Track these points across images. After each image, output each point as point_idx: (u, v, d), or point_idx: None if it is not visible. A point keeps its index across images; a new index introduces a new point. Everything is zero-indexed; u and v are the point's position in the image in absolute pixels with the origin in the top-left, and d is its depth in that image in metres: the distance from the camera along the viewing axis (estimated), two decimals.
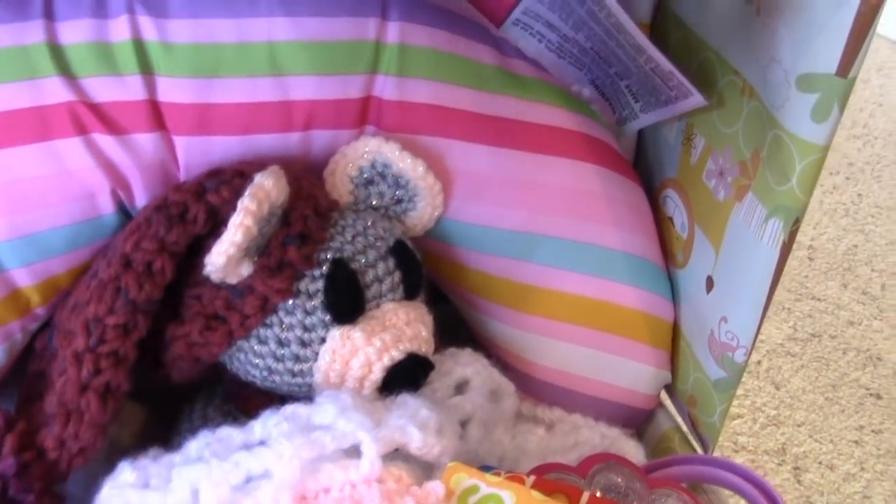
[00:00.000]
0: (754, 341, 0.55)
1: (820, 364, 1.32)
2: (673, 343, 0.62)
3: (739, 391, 1.27)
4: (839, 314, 1.41)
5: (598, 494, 0.49)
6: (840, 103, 0.45)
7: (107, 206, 0.51)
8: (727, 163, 0.54)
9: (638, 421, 0.62)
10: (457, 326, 0.65)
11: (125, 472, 0.48)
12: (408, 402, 0.49)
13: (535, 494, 0.46)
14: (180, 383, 0.59)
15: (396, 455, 0.48)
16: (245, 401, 0.55)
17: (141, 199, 0.52)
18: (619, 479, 0.54)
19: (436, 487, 0.45)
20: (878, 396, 1.29)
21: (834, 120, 0.46)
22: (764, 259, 0.51)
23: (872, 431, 1.24)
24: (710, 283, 0.57)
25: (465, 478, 0.47)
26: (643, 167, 0.64)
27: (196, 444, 0.48)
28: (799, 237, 1.67)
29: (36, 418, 0.49)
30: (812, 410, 1.27)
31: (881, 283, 1.46)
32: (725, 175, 0.54)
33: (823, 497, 1.16)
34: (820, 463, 1.20)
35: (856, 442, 1.23)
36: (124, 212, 0.52)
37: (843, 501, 1.16)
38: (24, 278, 0.51)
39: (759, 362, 1.32)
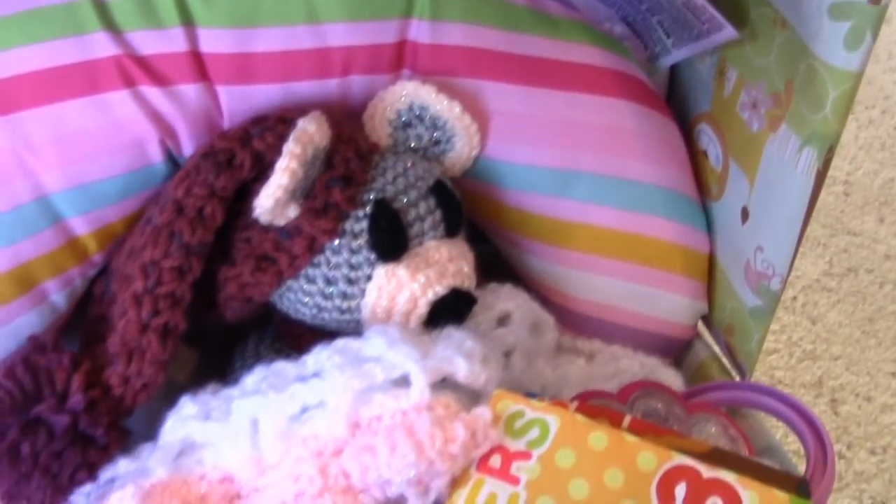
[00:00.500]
0: (790, 270, 0.56)
1: (856, 298, 1.33)
2: (709, 274, 0.63)
3: (776, 326, 1.28)
4: (875, 248, 1.40)
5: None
6: (873, 30, 0.46)
7: (156, 155, 0.53)
8: (760, 94, 0.55)
9: (676, 351, 0.64)
10: (497, 265, 0.66)
11: (187, 406, 0.51)
12: (453, 335, 0.51)
13: (579, 418, 0.48)
14: (232, 326, 0.62)
15: (444, 386, 0.50)
16: (296, 339, 0.57)
17: (188, 147, 0.54)
18: (659, 405, 0.56)
19: (483, 412, 0.47)
20: None
21: (867, 47, 0.46)
22: (798, 188, 0.52)
23: None
24: (745, 214, 0.58)
25: (511, 404, 0.49)
26: (676, 102, 0.65)
27: (252, 379, 0.51)
28: (834, 172, 1.66)
29: (100, 359, 0.51)
30: (848, 344, 1.27)
31: None
32: (759, 107, 0.55)
33: (861, 428, 1.17)
34: (857, 395, 1.21)
35: (893, 374, 1.23)
36: (172, 160, 0.54)
37: (880, 432, 1.17)
38: (80, 227, 0.53)
39: (794, 298, 1.33)
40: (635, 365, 0.59)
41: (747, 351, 0.61)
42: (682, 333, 0.63)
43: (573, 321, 0.62)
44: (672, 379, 0.59)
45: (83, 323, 0.56)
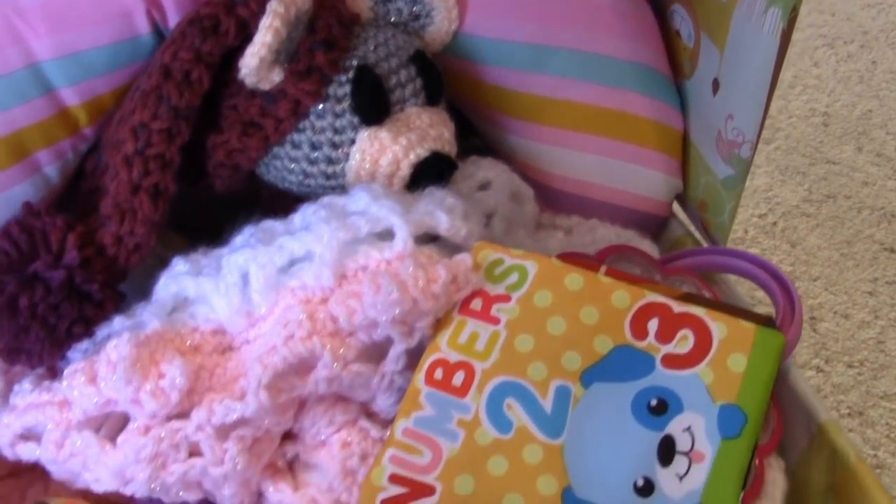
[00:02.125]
0: (759, 136, 0.58)
1: (835, 223, 1.35)
2: (683, 153, 0.65)
3: (756, 250, 1.30)
4: (854, 176, 1.43)
5: None
6: None
7: (143, 27, 0.55)
8: None
9: (652, 228, 0.66)
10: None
11: (179, 265, 0.53)
12: (434, 192, 0.53)
13: (556, 262, 0.50)
14: (222, 217, 0.64)
15: (427, 243, 0.52)
16: (283, 213, 0.59)
17: (173, 20, 0.55)
18: (636, 268, 0.58)
19: (464, 258, 0.50)
20: (892, 250, 1.32)
21: None
22: (765, 49, 0.54)
23: (887, 283, 1.28)
24: (716, 85, 0.60)
25: (491, 252, 0.51)
26: None
27: (242, 237, 0.53)
28: (813, 104, 1.68)
29: (93, 223, 0.53)
30: (827, 266, 1.30)
31: None
32: None
33: (838, 343, 1.20)
34: (835, 313, 1.24)
35: (870, 293, 1.26)
36: (159, 33, 0.56)
37: (857, 346, 1.20)
38: (71, 97, 0.55)
39: (774, 223, 1.35)
40: (612, 234, 0.61)
41: (720, 223, 0.63)
42: (659, 209, 0.65)
43: (552, 198, 0.64)
44: (649, 248, 0.61)
45: (76, 199, 0.58)
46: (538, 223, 0.63)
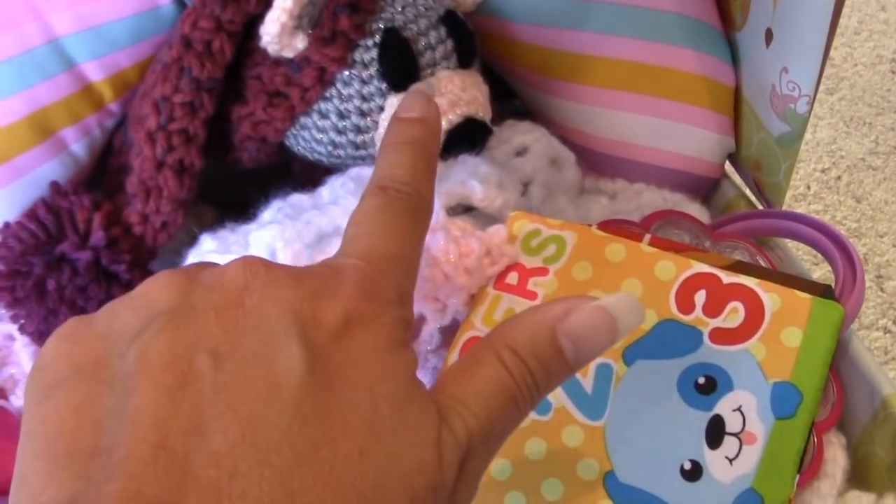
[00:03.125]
0: (816, 89, 0.54)
1: None
2: (735, 109, 0.62)
3: (819, 206, 1.25)
4: None
5: None
6: None
7: None
8: None
9: (703, 191, 0.63)
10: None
11: (206, 242, 0.51)
12: (468, 161, 0.50)
13: (596, 232, 0.48)
14: (252, 181, 0.62)
15: (460, 212, 0.50)
16: (314, 185, 0.57)
17: None
18: (684, 234, 0.55)
19: (499, 230, 0.47)
20: None
21: None
22: None
23: None
24: (769, 36, 0.56)
25: (528, 223, 0.49)
26: None
27: (269, 211, 0.51)
28: (880, 51, 1.60)
29: (120, 202, 0.52)
30: (895, 221, 1.24)
31: None
32: None
33: None
34: None
35: None
36: (181, 3, 0.54)
37: None
38: (95, 72, 0.53)
39: (838, 178, 1.30)
40: (659, 199, 0.58)
41: (775, 183, 0.59)
42: (710, 171, 0.62)
43: (595, 162, 0.61)
44: (698, 213, 0.58)
45: (105, 176, 0.57)
46: (581, 188, 0.61)
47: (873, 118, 1.38)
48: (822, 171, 1.30)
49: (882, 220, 1.24)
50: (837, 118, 1.38)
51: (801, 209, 1.24)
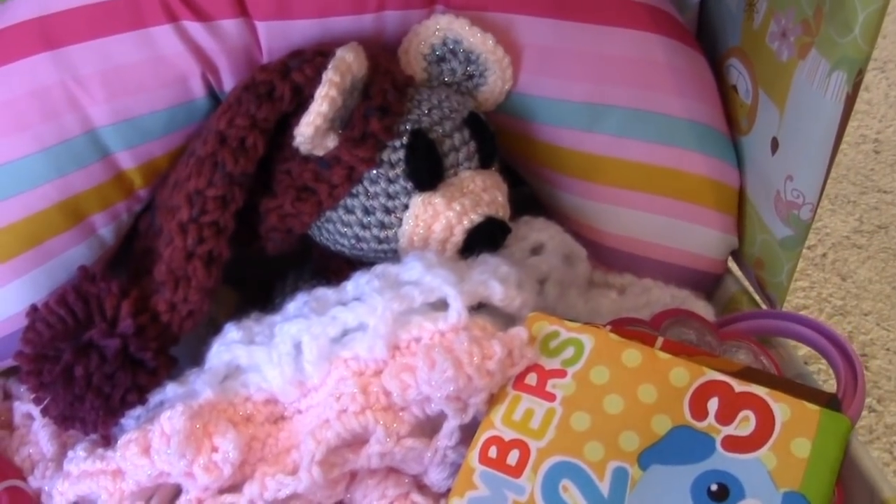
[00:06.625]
0: (819, 197, 0.56)
1: (887, 255, 1.32)
2: (739, 208, 0.64)
3: (805, 283, 1.28)
4: None
5: None
6: None
7: (198, 90, 0.55)
8: (790, 23, 0.55)
9: (706, 286, 0.65)
10: (532, 207, 0.67)
11: (231, 332, 0.53)
12: (488, 260, 0.52)
13: (613, 336, 0.49)
14: (272, 270, 0.64)
15: (480, 311, 0.51)
16: (335, 273, 0.58)
17: (228, 83, 0.55)
18: (691, 333, 0.57)
19: (520, 332, 0.49)
20: None
21: None
22: (828, 113, 0.52)
23: None
24: (774, 145, 0.58)
25: (546, 325, 0.50)
26: (706, 38, 0.66)
27: (295, 304, 0.52)
28: (864, 131, 1.65)
29: (147, 288, 0.53)
30: (879, 300, 1.27)
31: None
32: (788, 35, 0.56)
33: (891, 381, 1.17)
34: (887, 350, 1.21)
35: None
36: (214, 96, 0.56)
37: None
38: (127, 161, 0.55)
39: (824, 255, 1.33)
40: (666, 296, 0.60)
41: (777, 283, 0.61)
42: (713, 267, 0.64)
43: (605, 256, 0.63)
44: (703, 310, 0.60)
45: (129, 259, 0.58)
46: (591, 281, 0.63)
47: (857, 197, 1.41)
48: (808, 247, 1.33)
49: (867, 299, 1.27)
50: (823, 196, 1.42)
51: None
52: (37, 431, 0.55)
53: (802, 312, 1.26)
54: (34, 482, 0.53)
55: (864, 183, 1.44)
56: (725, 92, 0.64)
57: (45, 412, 0.52)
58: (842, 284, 1.29)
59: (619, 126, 0.60)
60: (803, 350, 0.62)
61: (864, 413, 1.14)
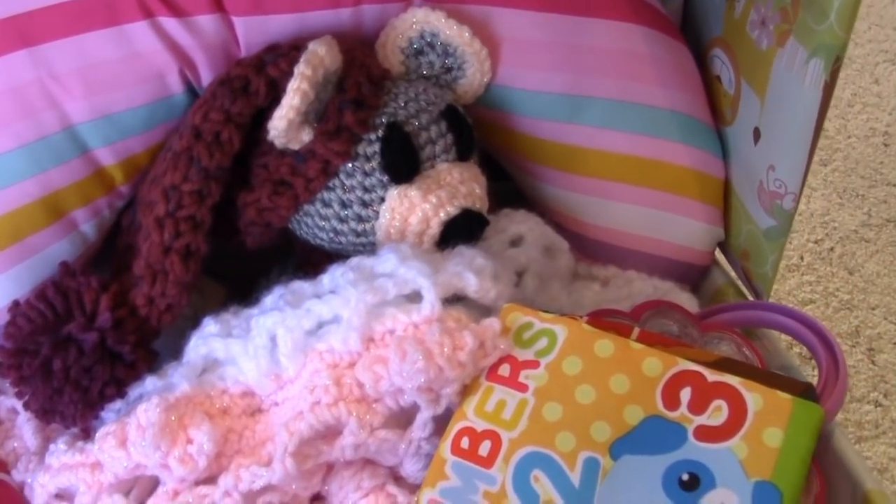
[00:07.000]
0: (802, 187, 0.56)
1: (895, 248, 1.31)
2: (725, 200, 0.64)
3: (812, 277, 1.27)
4: None
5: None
6: None
7: (176, 86, 0.55)
8: (769, 11, 0.55)
9: (693, 278, 0.64)
10: (515, 202, 0.67)
11: (209, 325, 0.53)
12: (464, 252, 0.52)
13: (586, 327, 0.49)
14: (258, 265, 0.64)
15: (457, 303, 0.51)
16: (315, 266, 0.58)
17: (207, 78, 0.56)
18: (672, 324, 0.56)
19: (492, 323, 0.49)
20: None
21: None
22: (807, 101, 0.52)
23: None
24: (756, 134, 0.58)
25: (521, 316, 0.50)
26: (690, 29, 0.65)
27: (271, 298, 0.53)
28: (874, 124, 1.63)
29: (126, 283, 0.54)
30: (887, 294, 1.26)
31: None
32: (767, 23, 0.55)
33: None
34: (895, 344, 1.20)
35: None
36: (192, 91, 0.56)
37: None
38: (107, 157, 0.55)
39: (832, 249, 1.32)
40: (649, 288, 0.60)
41: (763, 274, 0.61)
42: (699, 259, 0.64)
43: (589, 248, 0.62)
44: (687, 302, 0.60)
45: (112, 255, 0.59)
46: (574, 273, 0.62)
47: (866, 190, 1.40)
48: (816, 241, 1.32)
49: (874, 293, 1.25)
50: (831, 189, 1.40)
51: (794, 280, 1.26)
52: (21, 425, 0.55)
53: (809, 307, 1.25)
54: (17, 475, 0.53)
55: (873, 176, 1.43)
56: (710, 83, 0.63)
57: (26, 406, 0.52)
58: (849, 278, 1.28)
59: (601, 117, 0.60)
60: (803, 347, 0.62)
61: (871, 408, 1.13)
